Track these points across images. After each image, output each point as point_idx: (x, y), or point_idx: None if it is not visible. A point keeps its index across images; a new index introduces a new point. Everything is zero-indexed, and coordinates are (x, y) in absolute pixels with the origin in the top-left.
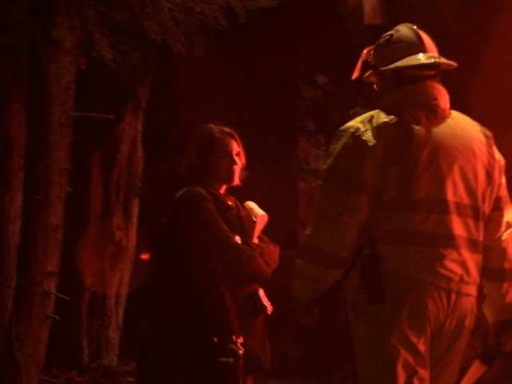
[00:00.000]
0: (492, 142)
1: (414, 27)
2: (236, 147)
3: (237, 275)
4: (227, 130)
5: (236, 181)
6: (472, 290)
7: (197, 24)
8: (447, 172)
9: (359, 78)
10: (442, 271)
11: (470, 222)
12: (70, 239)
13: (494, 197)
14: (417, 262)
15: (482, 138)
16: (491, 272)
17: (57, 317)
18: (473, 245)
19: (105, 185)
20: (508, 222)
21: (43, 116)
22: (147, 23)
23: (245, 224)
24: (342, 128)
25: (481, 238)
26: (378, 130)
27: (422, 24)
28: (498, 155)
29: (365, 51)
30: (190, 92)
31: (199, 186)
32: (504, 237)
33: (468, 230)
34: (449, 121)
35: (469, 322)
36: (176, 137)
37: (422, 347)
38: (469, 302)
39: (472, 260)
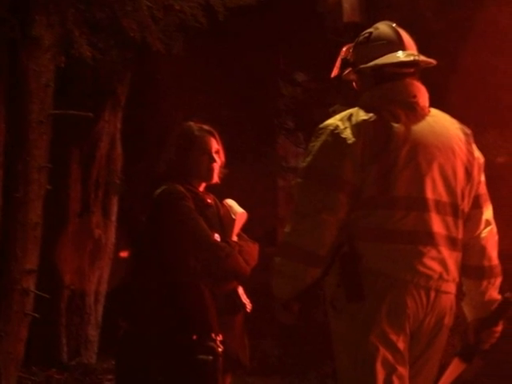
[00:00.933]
0: (471, 140)
1: (394, 25)
2: (215, 145)
3: (216, 273)
4: (206, 127)
5: (215, 178)
6: (451, 287)
7: (176, 22)
8: (426, 170)
9: (338, 76)
10: (422, 269)
11: (450, 219)
12: (49, 237)
13: (473, 194)
14: (396, 260)
15: (462, 136)
16: (470, 270)
17: (36, 314)
18: (452, 242)
19: (84, 182)
20: (487, 220)
21: (22, 114)
22: (126, 21)
23: (224, 222)
24: (321, 126)
25: (460, 236)
26: (358, 128)
27: (401, 22)
28: (477, 153)
29: (344, 49)
30: (169, 90)
31: (178, 183)
32: (483, 234)
33: (447, 227)
34: (428, 119)
35: (448, 320)
36: (155, 134)
37: (401, 345)
38: (448, 300)
39: (451, 258)
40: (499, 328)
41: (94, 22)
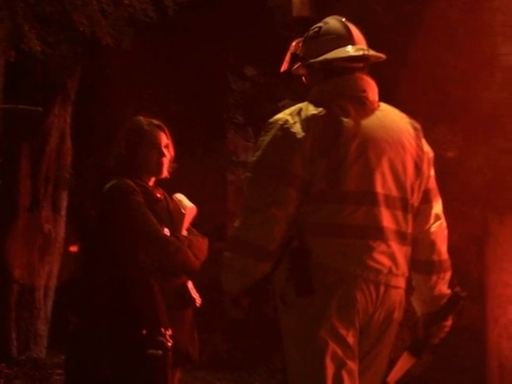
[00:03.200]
0: (421, 135)
1: (343, 19)
2: (165, 139)
3: (165, 267)
4: (156, 122)
5: (165, 173)
6: (401, 282)
7: (125, 16)
8: (376, 164)
9: (288, 71)
10: (371, 263)
11: (399, 214)
12: None
13: (422, 189)
14: (346, 255)
15: (411, 131)
16: (420, 264)
17: None
18: (401, 237)
19: (33, 177)
20: (437, 214)
21: None
22: (76, 15)
23: (173, 216)
24: (271, 120)
25: (409, 230)
26: (307, 123)
27: (351, 16)
28: (426, 147)
29: (293, 43)
30: (119, 84)
31: (128, 178)
32: (433, 229)
33: (397, 222)
34: (377, 113)
35: (397, 315)
36: (105, 129)
37: (350, 339)
38: (397, 295)
39: (401, 252)
40: (449, 323)
41: (43, 16)
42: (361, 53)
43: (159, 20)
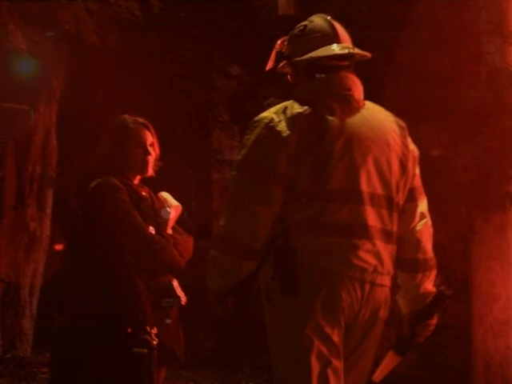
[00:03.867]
0: (406, 133)
1: (328, 18)
2: (150, 138)
3: (151, 266)
4: (141, 120)
5: (150, 171)
6: (386, 280)
7: (111, 15)
8: (361, 163)
9: (273, 69)
10: (356, 262)
11: (384, 212)
12: None
13: (408, 187)
14: (331, 253)
15: (396, 129)
16: (405, 263)
17: None
18: (387, 235)
19: (19, 175)
20: (422, 213)
21: None
22: (61, 14)
23: (159, 215)
24: (256, 119)
25: (395, 229)
26: (292, 121)
27: (336, 14)
28: (412, 146)
29: (279, 42)
30: (104, 83)
31: (113, 176)
32: (418, 227)
33: (382, 220)
34: (363, 111)
35: (383, 313)
36: (90, 127)
37: (335, 338)
38: (383, 293)
39: (386, 250)
40: (434, 321)
41: (28, 14)
42: (346, 51)
43: (144, 18)
